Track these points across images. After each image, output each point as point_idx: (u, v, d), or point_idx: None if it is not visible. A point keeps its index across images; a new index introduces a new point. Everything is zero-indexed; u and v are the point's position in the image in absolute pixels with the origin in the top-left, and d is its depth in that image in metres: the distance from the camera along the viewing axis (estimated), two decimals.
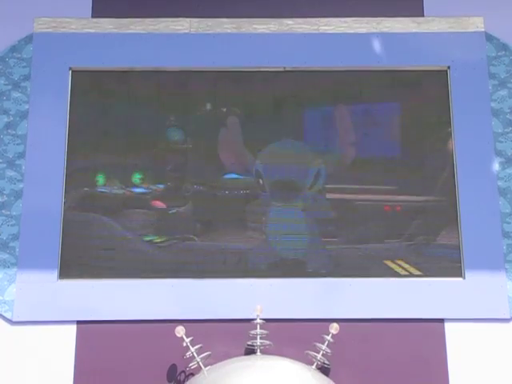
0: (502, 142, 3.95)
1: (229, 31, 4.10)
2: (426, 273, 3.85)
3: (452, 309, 3.74)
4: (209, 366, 3.49)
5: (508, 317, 3.68)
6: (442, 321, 3.73)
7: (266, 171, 4.05)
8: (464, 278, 3.77)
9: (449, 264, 3.87)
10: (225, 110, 4.12)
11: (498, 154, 3.93)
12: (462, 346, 3.69)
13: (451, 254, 3.88)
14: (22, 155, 3.93)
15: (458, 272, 3.81)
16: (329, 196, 4.00)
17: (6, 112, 4.00)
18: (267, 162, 4.06)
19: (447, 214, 3.94)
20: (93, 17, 4.16)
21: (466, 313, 3.72)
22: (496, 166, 3.91)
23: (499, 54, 4.08)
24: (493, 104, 4.00)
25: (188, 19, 4.12)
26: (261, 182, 4.05)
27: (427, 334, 3.73)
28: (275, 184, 4.06)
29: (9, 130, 3.97)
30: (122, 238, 3.96)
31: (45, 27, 4.11)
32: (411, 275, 3.86)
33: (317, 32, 4.11)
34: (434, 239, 3.94)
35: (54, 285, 3.77)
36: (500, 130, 3.97)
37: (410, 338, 3.73)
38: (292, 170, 4.08)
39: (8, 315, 3.69)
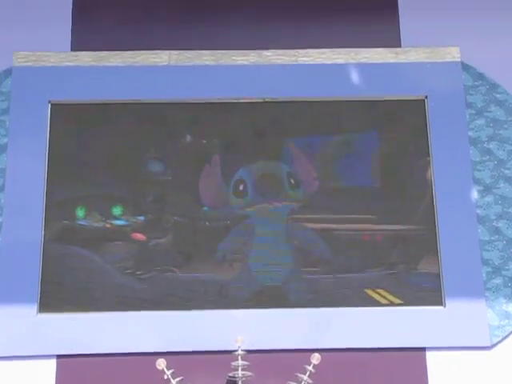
0: (479, 170, 4.03)
1: (208, 63, 4.18)
2: (407, 301, 3.90)
3: (433, 337, 3.78)
4: None
5: (488, 344, 3.73)
6: (423, 349, 3.77)
7: (249, 173, 4.12)
8: (444, 306, 3.81)
9: (429, 292, 3.91)
10: (205, 141, 4.21)
11: (476, 182, 4.01)
12: (443, 375, 3.74)
13: (431, 283, 3.92)
14: (1, 189, 3.96)
15: (438, 300, 3.85)
16: (308, 225, 4.07)
17: None
18: (249, 169, 4.14)
19: (427, 243, 4.00)
20: (72, 50, 4.22)
21: (446, 341, 3.77)
22: (474, 195, 3.99)
23: (476, 83, 4.18)
24: (470, 133, 4.08)
25: (167, 51, 4.20)
26: (241, 187, 4.14)
27: (409, 363, 3.77)
28: (259, 180, 4.15)
29: None
30: (102, 271, 3.98)
31: (24, 61, 4.18)
32: (392, 304, 3.90)
33: (295, 63, 4.19)
34: (414, 268, 3.99)
35: (33, 319, 3.79)
36: (478, 159, 4.05)
37: (391, 368, 3.76)
38: (271, 168, 4.16)
39: None
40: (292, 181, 4.17)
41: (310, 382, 3.54)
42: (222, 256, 4.04)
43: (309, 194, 4.17)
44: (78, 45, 4.28)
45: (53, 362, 3.75)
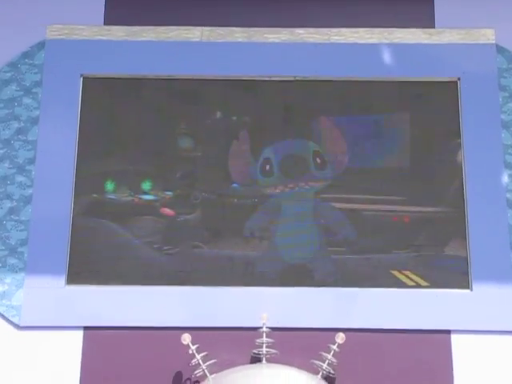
0: (511, 154, 4.06)
1: (240, 40, 4.23)
2: (434, 284, 3.94)
3: (459, 320, 3.82)
4: (214, 374, 3.57)
5: None
6: (448, 332, 3.81)
7: (275, 153, 4.19)
8: (471, 289, 3.85)
9: (456, 275, 3.95)
10: (235, 118, 4.26)
11: (508, 166, 4.03)
12: (468, 358, 3.78)
13: (459, 266, 3.96)
14: (32, 161, 4.05)
15: (465, 284, 3.89)
16: (336, 205, 4.12)
17: (17, 118, 4.11)
18: (276, 148, 4.20)
19: (455, 226, 4.03)
20: (105, 24, 4.29)
21: (472, 325, 3.80)
22: (505, 178, 4.01)
23: (510, 66, 4.19)
24: (503, 116, 4.09)
25: (200, 28, 4.26)
26: (268, 167, 4.18)
27: (433, 345, 3.81)
28: (284, 160, 4.20)
29: (19, 136, 4.09)
30: (130, 245, 4.06)
31: (57, 34, 4.24)
32: (418, 286, 3.93)
33: (328, 42, 4.23)
34: (441, 250, 4.02)
35: (61, 290, 3.87)
36: (510, 142, 4.07)
37: (416, 349, 3.81)
38: (297, 147, 4.23)
39: (15, 320, 3.79)
40: (318, 160, 4.21)
41: (334, 361, 3.59)
42: (250, 233, 4.11)
43: (336, 173, 4.22)
44: (111, 19, 4.34)
45: (80, 334, 3.84)
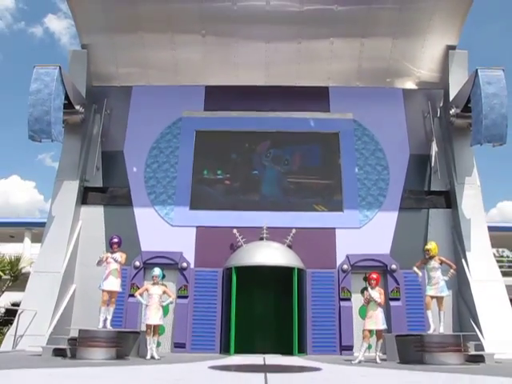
0: (360, 166, 7.92)
1: (253, 116, 8.22)
2: (329, 209, 7.64)
3: (338, 223, 7.59)
4: (245, 244, 7.16)
5: (358, 226, 7.48)
6: (334, 229, 7.51)
7: (274, 152, 7.64)
8: (343, 211, 7.52)
9: (338, 206, 7.66)
10: (257, 148, 7.82)
11: (359, 168, 7.80)
12: (342, 239, 7.52)
13: (338, 202, 7.66)
14: (177, 163, 7.76)
15: (340, 208, 7.57)
16: (291, 179, 7.66)
17: (170, 147, 7.86)
18: (275, 151, 7.69)
19: (338, 186, 7.75)
20: (204, 110, 8.10)
21: (343, 225, 7.55)
22: (356, 170, 7.84)
23: (360, 129, 8.10)
24: (356, 153, 7.97)
25: (240, 111, 7.98)
26: (268, 154, 7.72)
27: (328, 234, 7.52)
28: (275, 155, 7.72)
29: (172, 153, 7.88)
30: (213, 195, 7.80)
31: (186, 114, 8.04)
32: (323, 211, 7.64)
33: (283, 116, 8.15)
34: (332, 196, 7.72)
35: (188, 212, 7.55)
36: (360, 163, 7.93)
37: (322, 236, 7.45)
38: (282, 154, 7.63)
39: (170, 221, 7.47)
40: (286, 162, 7.84)
41: (291, 239, 7.25)
42: (259, 188, 7.65)
43: (291, 168, 7.80)
44: (207, 107, 8.22)
45: (194, 229, 7.55)
